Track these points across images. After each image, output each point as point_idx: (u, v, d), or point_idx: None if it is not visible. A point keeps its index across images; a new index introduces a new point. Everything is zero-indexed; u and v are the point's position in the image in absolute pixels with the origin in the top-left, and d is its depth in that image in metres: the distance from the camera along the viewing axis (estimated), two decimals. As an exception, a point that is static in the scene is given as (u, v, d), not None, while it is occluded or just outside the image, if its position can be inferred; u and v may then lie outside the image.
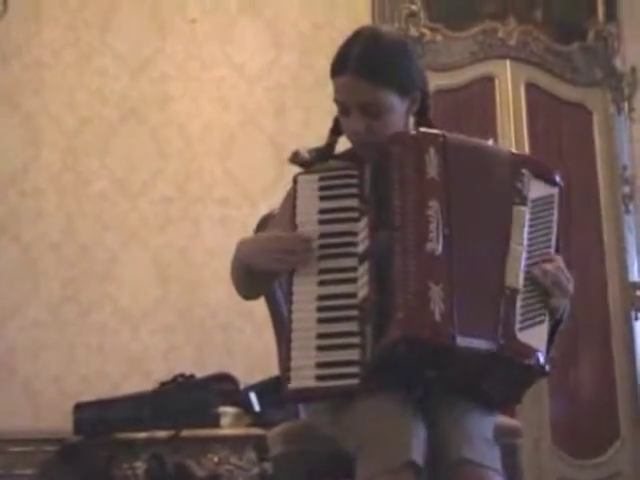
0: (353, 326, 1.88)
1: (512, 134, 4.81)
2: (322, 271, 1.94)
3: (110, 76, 4.65)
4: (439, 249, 1.86)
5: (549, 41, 5.04)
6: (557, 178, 2.07)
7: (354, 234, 1.95)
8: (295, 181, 2.03)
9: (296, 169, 2.13)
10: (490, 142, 2.09)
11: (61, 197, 4.51)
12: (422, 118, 2.15)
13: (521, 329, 1.89)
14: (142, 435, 3.73)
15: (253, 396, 3.79)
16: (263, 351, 3.98)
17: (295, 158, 2.15)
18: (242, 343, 4.47)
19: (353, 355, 1.86)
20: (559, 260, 1.99)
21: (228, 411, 3.80)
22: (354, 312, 1.89)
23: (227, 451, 3.75)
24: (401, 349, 1.81)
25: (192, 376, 3.98)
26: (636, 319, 4.84)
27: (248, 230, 2.44)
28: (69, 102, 4.59)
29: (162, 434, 3.72)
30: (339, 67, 2.05)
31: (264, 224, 2.37)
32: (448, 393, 1.92)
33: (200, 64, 4.74)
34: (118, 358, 4.42)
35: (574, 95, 5.05)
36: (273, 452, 2.13)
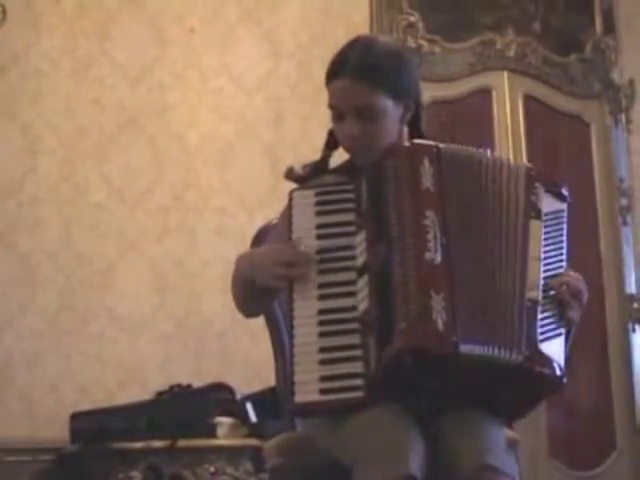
0: (355, 339, 1.88)
1: (510, 145, 4.82)
2: (321, 285, 1.93)
3: (108, 85, 4.64)
4: (438, 258, 1.86)
5: (547, 53, 5.05)
6: (566, 193, 2.09)
7: (352, 248, 1.95)
8: (291, 197, 2.03)
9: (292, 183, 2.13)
10: (488, 151, 2.09)
11: (59, 206, 4.50)
12: (414, 128, 2.16)
13: (541, 341, 1.90)
14: (138, 445, 3.73)
15: (250, 406, 3.79)
16: (260, 361, 3.96)
17: (290, 174, 2.15)
18: (239, 353, 4.46)
19: (356, 368, 1.85)
20: (576, 275, 2.01)
21: (224, 421, 3.80)
22: (355, 325, 1.89)
23: (223, 461, 3.75)
24: (406, 359, 1.81)
25: (189, 386, 3.98)
26: (633, 331, 4.84)
27: (245, 240, 2.44)
28: (67, 111, 4.58)
29: (158, 444, 3.72)
30: (336, 71, 2.06)
31: (261, 235, 2.37)
32: (457, 404, 1.91)
33: (198, 74, 4.74)
34: (115, 367, 4.40)
35: (572, 107, 5.06)
36: (270, 464, 2.12)
